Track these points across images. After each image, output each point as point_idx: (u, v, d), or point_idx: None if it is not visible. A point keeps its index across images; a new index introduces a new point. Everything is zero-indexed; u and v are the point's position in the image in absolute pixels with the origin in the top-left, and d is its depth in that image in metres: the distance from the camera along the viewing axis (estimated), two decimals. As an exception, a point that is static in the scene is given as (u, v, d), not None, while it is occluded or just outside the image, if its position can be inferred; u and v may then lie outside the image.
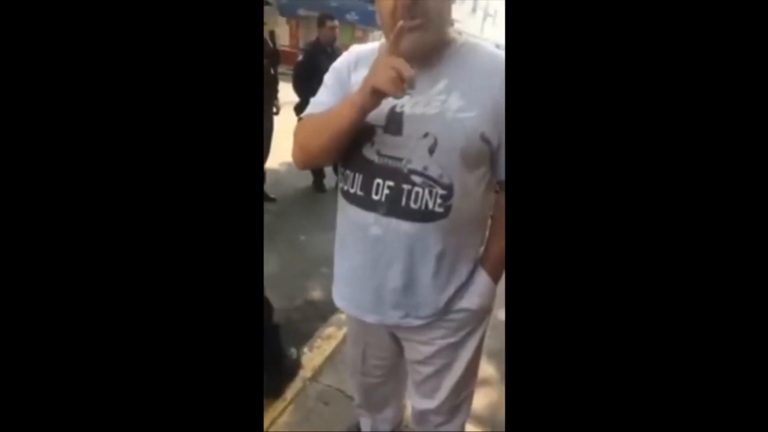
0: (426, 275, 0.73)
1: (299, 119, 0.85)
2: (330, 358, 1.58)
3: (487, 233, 0.81)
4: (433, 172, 0.68)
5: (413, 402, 0.95)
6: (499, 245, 0.77)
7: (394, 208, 0.70)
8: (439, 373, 0.84)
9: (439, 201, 0.69)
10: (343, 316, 1.82)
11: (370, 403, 1.08)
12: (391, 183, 0.69)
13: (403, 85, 0.58)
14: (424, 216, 0.69)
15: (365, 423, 1.15)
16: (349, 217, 0.77)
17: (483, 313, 0.81)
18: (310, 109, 0.77)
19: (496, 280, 0.80)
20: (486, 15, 23.31)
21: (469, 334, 0.81)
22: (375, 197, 0.70)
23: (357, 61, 0.75)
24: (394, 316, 0.77)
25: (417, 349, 0.84)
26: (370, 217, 0.72)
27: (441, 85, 0.68)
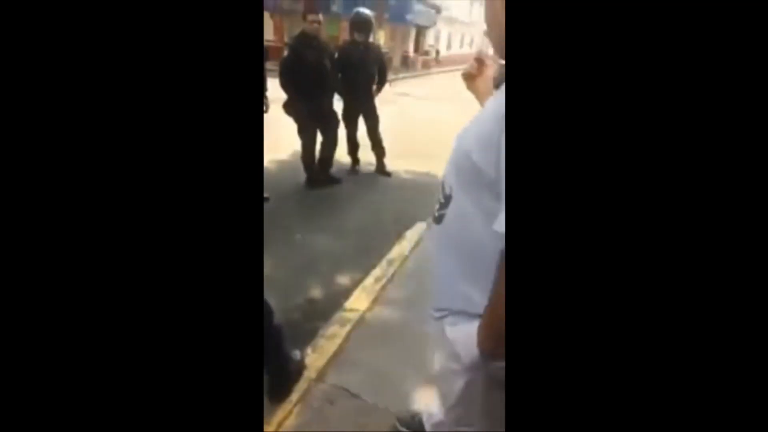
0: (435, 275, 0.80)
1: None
2: (334, 358, 1.57)
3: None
4: (447, 178, 0.74)
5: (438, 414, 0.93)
6: (494, 316, 0.65)
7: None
8: None
9: (437, 206, 0.75)
10: (345, 315, 1.81)
11: None
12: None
13: None
14: (434, 218, 0.77)
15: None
16: None
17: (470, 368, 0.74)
18: None
19: (485, 350, 0.69)
20: (472, -1, 23.11)
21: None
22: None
23: None
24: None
25: None
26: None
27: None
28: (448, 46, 20.81)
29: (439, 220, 0.75)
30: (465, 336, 0.71)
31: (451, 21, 19.97)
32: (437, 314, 0.81)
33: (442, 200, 0.74)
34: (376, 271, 2.17)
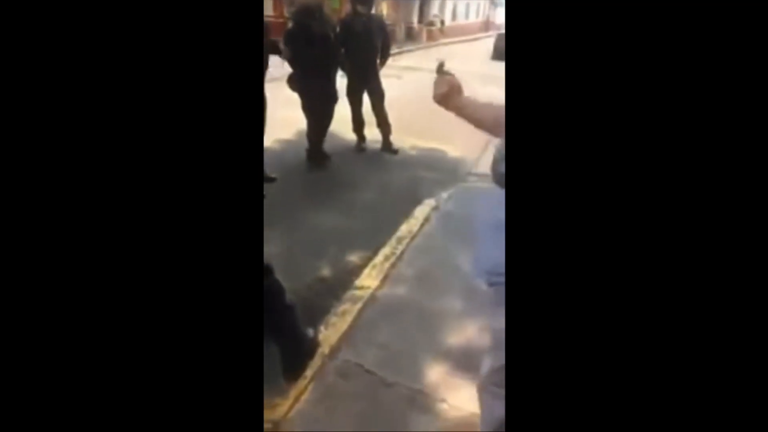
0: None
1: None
2: (346, 335, 1.60)
3: None
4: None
5: (486, 363, 0.95)
6: None
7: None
8: None
9: (496, 163, 0.79)
10: (356, 293, 1.83)
11: None
12: None
13: None
14: None
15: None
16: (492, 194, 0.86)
17: None
18: None
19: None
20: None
21: None
22: None
23: None
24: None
25: None
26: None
27: None
28: (454, 16, 20.10)
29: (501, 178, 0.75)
30: None
31: (456, -12, 19.24)
32: (496, 278, 0.81)
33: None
34: (386, 249, 2.17)
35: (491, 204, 0.82)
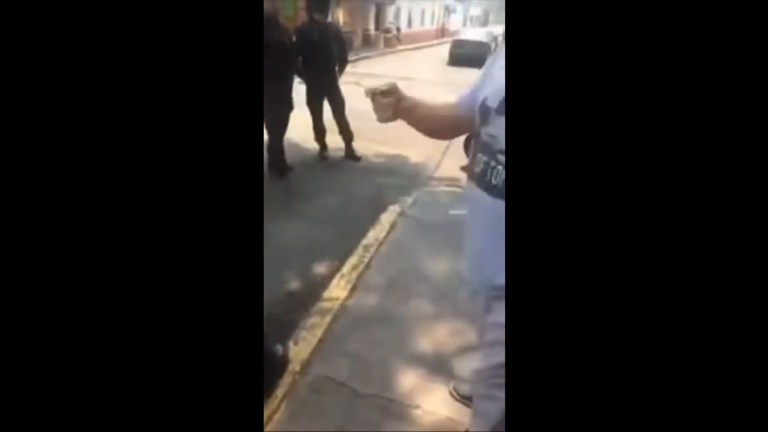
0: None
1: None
2: (317, 348, 1.56)
3: None
4: (500, 140, 0.75)
5: (478, 362, 0.94)
6: None
7: (487, 184, 0.78)
8: None
9: (491, 176, 0.77)
10: (325, 305, 1.80)
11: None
12: (485, 159, 0.79)
13: None
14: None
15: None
16: (469, 194, 0.86)
17: None
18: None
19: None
20: None
21: None
22: (490, 180, 0.78)
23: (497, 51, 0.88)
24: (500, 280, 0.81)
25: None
26: (481, 195, 0.80)
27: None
28: (409, 23, 20.51)
29: (495, 189, 0.76)
30: None
31: (410, -4, 19.68)
32: (495, 293, 0.81)
33: (500, 167, 0.75)
34: (353, 258, 2.16)
35: (483, 211, 0.80)
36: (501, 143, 0.75)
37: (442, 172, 3.46)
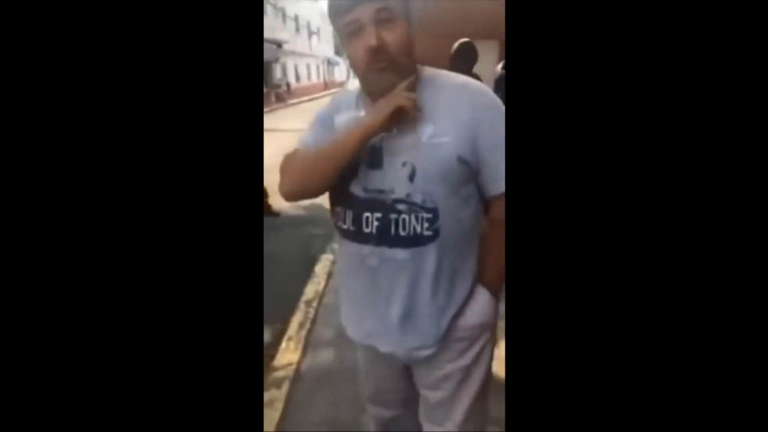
0: (425, 299, 0.75)
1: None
2: (281, 425, 1.43)
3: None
4: (417, 198, 0.71)
5: (425, 429, 0.91)
6: (495, 259, 0.78)
7: (385, 237, 0.73)
8: (451, 398, 0.82)
9: (426, 225, 0.72)
10: (278, 374, 1.66)
11: None
12: (379, 215, 0.73)
13: (416, 107, 0.68)
14: (415, 241, 0.73)
15: None
16: (346, 250, 0.80)
17: (487, 329, 0.81)
18: (300, 146, 0.82)
19: (496, 295, 0.81)
20: (310, 33, 24.04)
21: (477, 356, 0.81)
22: (366, 230, 0.74)
23: (339, 106, 0.82)
24: (404, 345, 0.78)
25: (427, 374, 0.83)
26: (365, 249, 0.75)
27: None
28: (297, 78, 21.25)
29: (434, 236, 0.71)
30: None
31: (294, 54, 20.46)
32: (428, 351, 0.78)
33: (429, 216, 0.70)
34: (297, 317, 2.05)
35: (394, 267, 0.73)
36: (397, 192, 0.70)
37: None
